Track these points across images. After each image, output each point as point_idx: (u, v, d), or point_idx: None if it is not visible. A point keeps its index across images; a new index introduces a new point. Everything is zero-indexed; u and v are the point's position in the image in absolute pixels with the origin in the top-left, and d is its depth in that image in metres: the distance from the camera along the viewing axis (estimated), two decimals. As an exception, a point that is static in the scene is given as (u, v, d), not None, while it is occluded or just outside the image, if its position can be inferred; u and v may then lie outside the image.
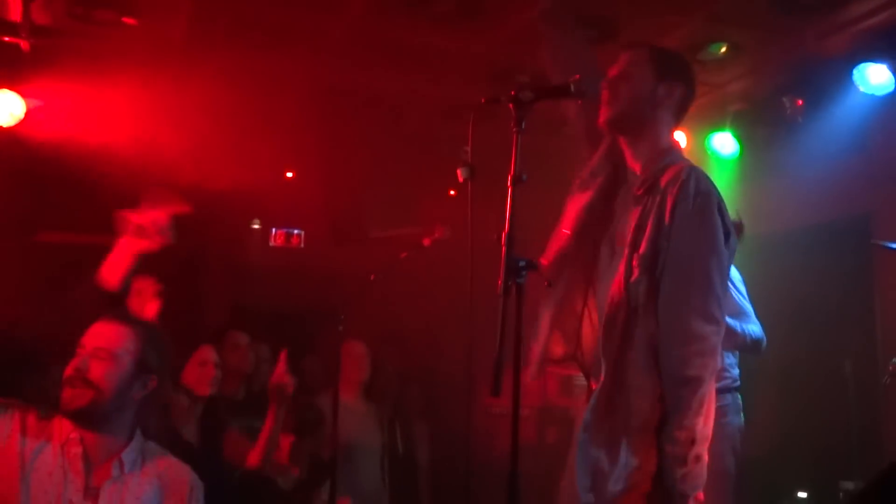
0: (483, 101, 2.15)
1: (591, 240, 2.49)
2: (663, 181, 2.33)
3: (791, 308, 5.52)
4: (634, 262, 2.23)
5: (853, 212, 5.33)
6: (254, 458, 3.77)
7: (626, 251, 2.28)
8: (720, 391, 3.94)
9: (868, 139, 5.03)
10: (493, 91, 2.22)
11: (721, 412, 3.95)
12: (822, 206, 5.48)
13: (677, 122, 2.53)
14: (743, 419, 4.02)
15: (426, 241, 4.21)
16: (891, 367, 3.73)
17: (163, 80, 5.27)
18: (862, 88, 4.62)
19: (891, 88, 4.57)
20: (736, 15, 4.48)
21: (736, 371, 4.05)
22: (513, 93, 2.15)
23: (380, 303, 5.21)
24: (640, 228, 2.28)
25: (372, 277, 4.24)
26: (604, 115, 2.47)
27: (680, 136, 5.93)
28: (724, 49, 4.85)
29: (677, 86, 2.48)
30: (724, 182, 5.74)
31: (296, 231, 7.72)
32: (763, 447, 4.89)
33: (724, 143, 5.59)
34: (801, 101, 4.90)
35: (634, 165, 2.48)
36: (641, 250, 2.24)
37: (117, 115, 5.45)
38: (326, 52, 5.12)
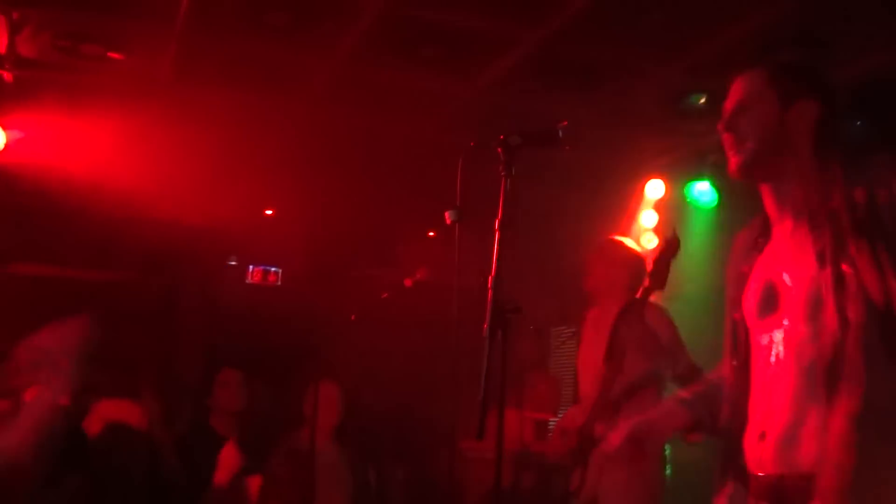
0: (472, 144, 2.17)
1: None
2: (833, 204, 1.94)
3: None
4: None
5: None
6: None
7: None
8: None
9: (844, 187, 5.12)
10: (479, 134, 2.24)
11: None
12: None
13: (828, 150, 2.07)
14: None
15: (408, 282, 4.22)
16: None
17: (146, 115, 5.29)
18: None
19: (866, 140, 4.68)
20: (715, 66, 4.59)
21: None
22: (501, 137, 2.16)
23: (359, 343, 5.20)
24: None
25: (353, 317, 4.24)
26: (733, 163, 2.11)
27: (658, 185, 6.04)
28: (703, 99, 4.95)
29: (810, 104, 2.06)
30: (702, 231, 5.82)
31: (273, 269, 7.70)
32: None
33: (703, 191, 5.68)
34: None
35: (783, 213, 2.08)
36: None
37: (99, 148, 5.45)
38: (311, 93, 5.16)
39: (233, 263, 7.57)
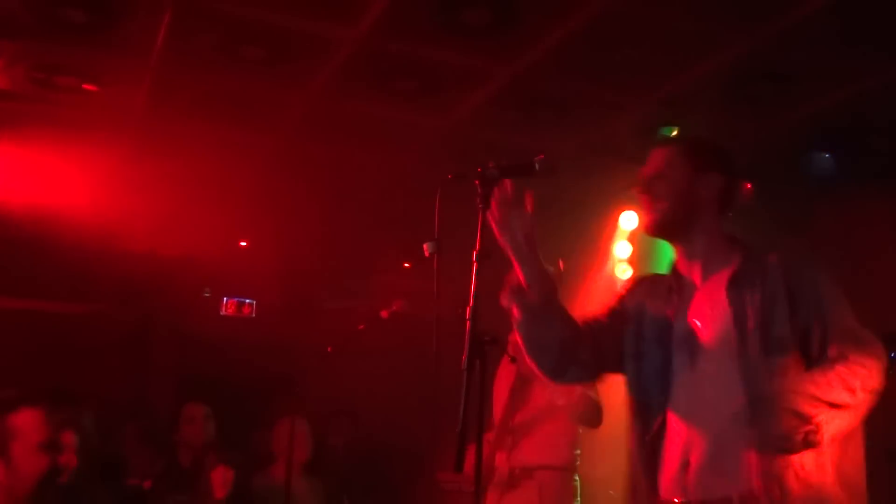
0: (449, 176, 2.17)
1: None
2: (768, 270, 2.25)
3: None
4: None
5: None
6: None
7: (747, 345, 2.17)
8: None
9: (815, 224, 5.19)
10: (454, 167, 2.23)
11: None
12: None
13: (727, 213, 2.41)
14: None
15: (384, 314, 4.20)
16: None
17: (121, 147, 5.26)
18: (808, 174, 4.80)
19: (833, 174, 4.76)
20: (687, 99, 4.65)
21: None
22: (479, 169, 2.17)
23: (335, 375, 5.16)
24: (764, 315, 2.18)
25: (329, 349, 4.21)
26: (648, 220, 2.39)
27: (632, 216, 6.06)
28: (675, 131, 5.01)
29: (716, 175, 2.36)
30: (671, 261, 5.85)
31: (247, 300, 7.66)
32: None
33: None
34: (749, 185, 5.06)
35: (692, 267, 2.38)
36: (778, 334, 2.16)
37: (73, 180, 5.41)
38: (286, 125, 5.16)
39: (207, 295, 7.52)
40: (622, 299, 2.50)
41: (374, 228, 6.60)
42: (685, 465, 2.18)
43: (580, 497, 4.11)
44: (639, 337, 2.39)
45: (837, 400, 2.02)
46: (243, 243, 7.03)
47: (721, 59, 4.21)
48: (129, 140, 5.24)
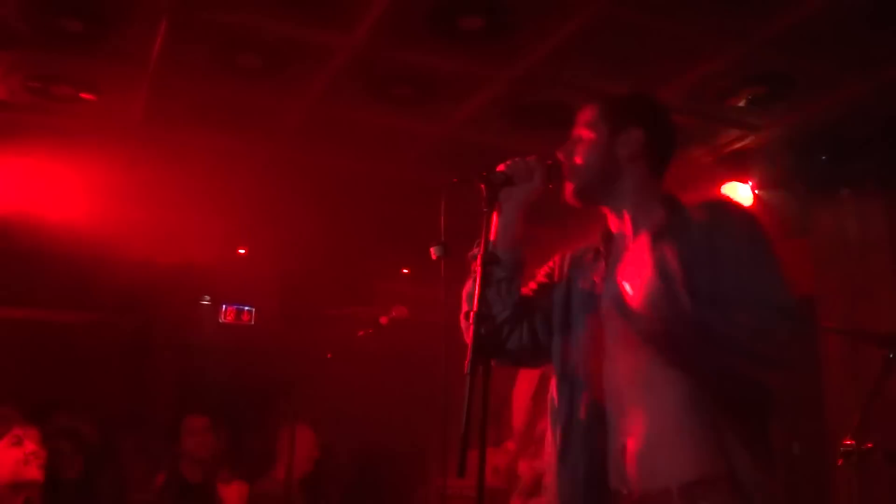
0: (455, 180, 2.15)
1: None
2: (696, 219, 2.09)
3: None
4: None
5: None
6: None
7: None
8: None
9: (810, 225, 5.20)
10: (452, 172, 2.21)
11: None
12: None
13: (659, 169, 2.25)
14: None
15: (383, 320, 4.19)
16: (841, 449, 3.78)
17: (119, 155, 5.25)
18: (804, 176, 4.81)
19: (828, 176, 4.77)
20: (683, 104, 4.65)
21: None
22: (484, 174, 2.16)
23: (335, 381, 5.15)
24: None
25: (329, 356, 4.20)
26: (568, 189, 2.24)
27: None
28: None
29: (635, 131, 2.21)
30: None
31: (246, 308, 7.64)
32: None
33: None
34: (745, 186, 5.08)
35: (622, 229, 2.23)
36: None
37: (71, 189, 5.40)
38: (284, 133, 5.15)
39: (206, 303, 7.51)
40: (548, 273, 2.36)
41: (373, 235, 6.59)
42: (622, 450, 2.03)
43: None
44: (566, 308, 2.24)
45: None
46: (242, 251, 7.02)
47: (717, 63, 4.21)
48: (126, 149, 5.23)
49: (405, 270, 7.06)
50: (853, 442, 3.78)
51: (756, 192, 5.06)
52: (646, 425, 2.01)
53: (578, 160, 2.23)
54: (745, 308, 1.92)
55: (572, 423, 2.13)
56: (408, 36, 4.04)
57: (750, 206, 5.08)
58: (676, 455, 1.95)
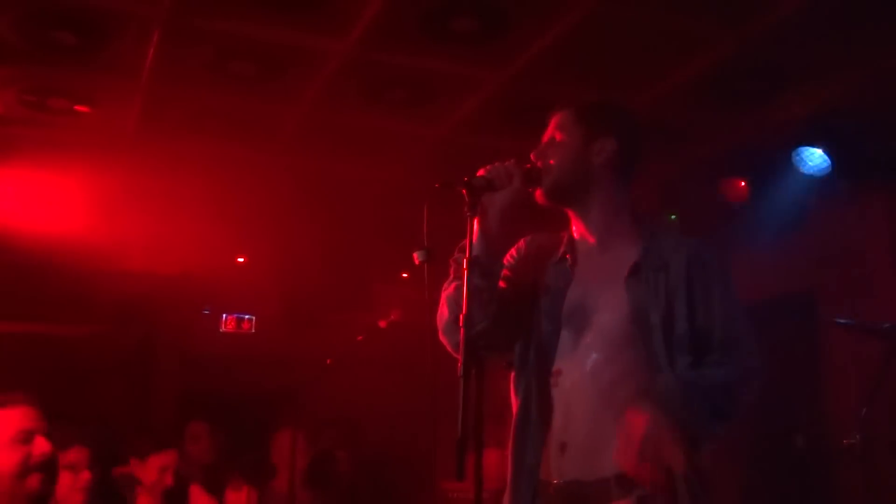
0: (437, 185, 2.15)
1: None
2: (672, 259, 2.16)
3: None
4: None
5: (797, 289, 5.45)
6: None
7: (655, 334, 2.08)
8: None
9: (809, 218, 5.18)
10: (449, 174, 2.22)
11: None
12: (766, 283, 5.60)
13: (626, 179, 2.30)
14: None
15: (382, 324, 4.18)
16: (845, 442, 3.76)
17: (115, 166, 5.25)
18: (801, 170, 4.79)
19: (827, 169, 4.75)
20: (673, 100, 4.64)
21: None
22: (466, 178, 2.15)
23: (336, 386, 5.13)
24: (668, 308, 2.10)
25: (329, 361, 4.19)
26: (539, 190, 2.27)
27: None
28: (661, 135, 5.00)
29: (609, 140, 2.25)
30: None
31: (247, 316, 7.63)
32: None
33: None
34: (744, 183, 5.05)
35: (589, 239, 2.28)
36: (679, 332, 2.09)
37: (69, 202, 5.39)
38: (280, 140, 5.15)
39: (207, 312, 7.50)
40: (512, 265, 2.35)
41: (372, 239, 6.58)
42: (562, 446, 2.11)
43: None
44: (529, 305, 2.26)
45: (700, 426, 1.99)
46: (241, 259, 7.00)
47: (707, 59, 4.20)
48: (123, 160, 5.23)
49: (404, 275, 7.04)
50: (857, 436, 3.77)
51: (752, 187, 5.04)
52: (590, 422, 2.09)
53: (552, 162, 2.26)
54: (717, 363, 2.06)
55: (526, 418, 2.20)
56: (401, 39, 4.03)
57: (746, 201, 5.08)
58: (613, 451, 1.99)
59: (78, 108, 4.60)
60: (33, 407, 2.67)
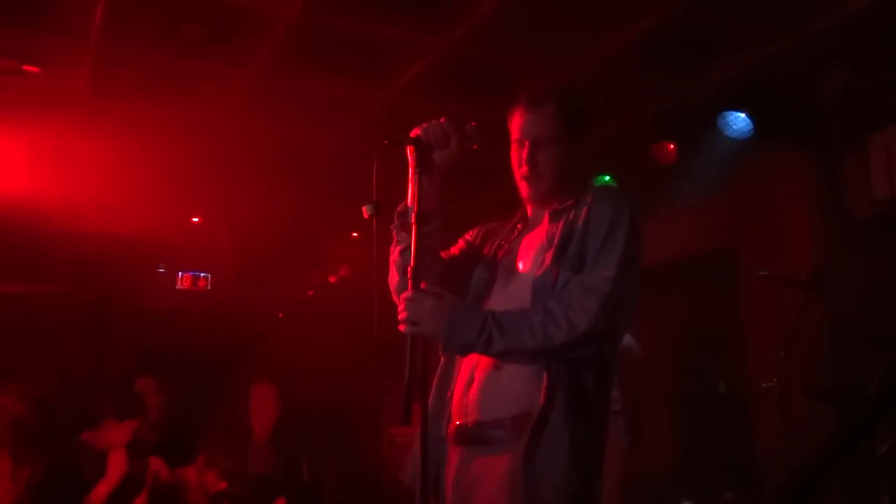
0: (385, 142, 2.11)
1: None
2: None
3: (670, 335, 5.68)
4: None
5: (721, 243, 5.54)
6: None
7: (549, 260, 2.11)
8: None
9: (733, 179, 5.24)
10: (395, 134, 2.19)
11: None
12: (693, 238, 5.68)
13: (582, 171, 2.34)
14: (627, 442, 4.03)
15: (332, 279, 4.14)
16: (763, 386, 3.85)
17: (66, 127, 5.05)
18: (726, 133, 4.82)
19: (749, 133, 4.79)
20: (614, 66, 4.62)
21: (616, 394, 3.94)
22: (412, 136, 2.12)
23: (287, 341, 5.07)
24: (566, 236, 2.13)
25: (280, 315, 4.13)
26: (530, 191, 2.25)
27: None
28: (602, 98, 4.98)
29: (586, 142, 2.28)
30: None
31: (202, 274, 7.50)
32: (650, 465, 4.96)
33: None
34: (672, 146, 5.08)
35: (538, 216, 2.30)
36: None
37: (21, 163, 5.19)
38: (230, 102, 5.00)
39: (162, 270, 7.34)
40: (467, 242, 2.41)
41: (322, 199, 6.49)
42: (469, 385, 2.13)
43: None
44: (471, 270, 2.31)
45: (520, 344, 2.00)
46: (195, 219, 6.85)
47: (640, 26, 4.18)
48: (74, 120, 5.04)
49: (354, 234, 6.98)
50: (774, 379, 3.86)
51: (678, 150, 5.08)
52: (493, 369, 2.10)
53: (544, 170, 2.21)
54: (576, 281, 2.06)
55: (447, 368, 2.23)
56: (347, 3, 3.93)
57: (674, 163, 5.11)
58: (511, 393, 2.04)
59: (26, 68, 4.40)
60: None
